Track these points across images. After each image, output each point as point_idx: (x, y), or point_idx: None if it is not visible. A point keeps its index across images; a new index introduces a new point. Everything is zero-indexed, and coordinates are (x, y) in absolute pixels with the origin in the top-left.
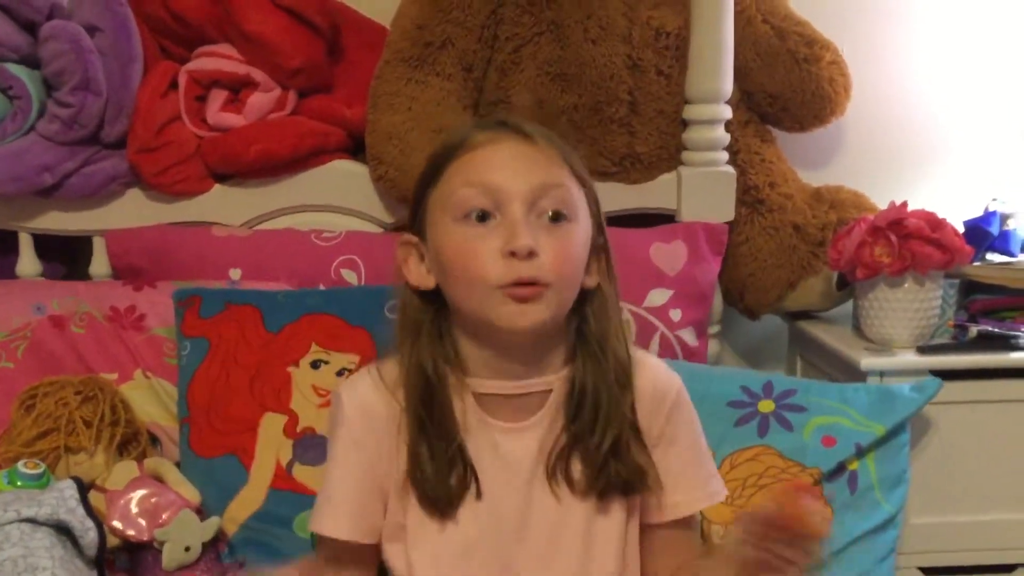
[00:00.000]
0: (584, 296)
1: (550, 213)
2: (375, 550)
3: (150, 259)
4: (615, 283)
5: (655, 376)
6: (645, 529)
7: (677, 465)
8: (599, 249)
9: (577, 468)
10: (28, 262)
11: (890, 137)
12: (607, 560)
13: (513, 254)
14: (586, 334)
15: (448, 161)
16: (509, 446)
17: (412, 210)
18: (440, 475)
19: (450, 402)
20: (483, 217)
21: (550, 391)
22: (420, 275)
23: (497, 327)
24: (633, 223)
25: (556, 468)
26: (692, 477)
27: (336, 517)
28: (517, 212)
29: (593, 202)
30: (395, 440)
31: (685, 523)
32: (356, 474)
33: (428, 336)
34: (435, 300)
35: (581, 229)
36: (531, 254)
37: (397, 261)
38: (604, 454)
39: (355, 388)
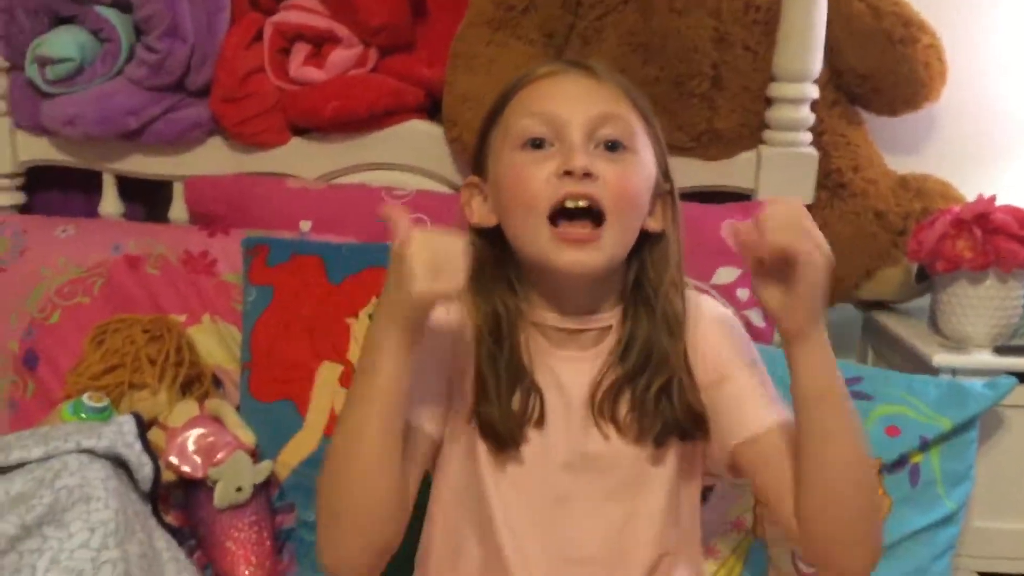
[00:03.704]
0: (645, 240)
1: (609, 143)
2: (423, 460)
3: (225, 207)
4: (680, 231)
5: (714, 307)
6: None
7: (751, 385)
8: (665, 194)
9: (623, 410)
10: (111, 202)
11: (984, 127)
12: (654, 511)
13: (569, 173)
14: (642, 280)
15: (510, 97)
16: (567, 376)
17: (476, 151)
18: (505, 401)
19: (516, 331)
20: (540, 144)
21: (609, 327)
22: (482, 214)
23: (553, 270)
24: (708, 202)
25: (603, 406)
26: (768, 395)
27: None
28: (575, 137)
29: (657, 143)
30: (458, 348)
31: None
32: (424, 363)
33: (492, 273)
34: (498, 241)
35: (642, 163)
36: (587, 175)
37: (461, 202)
38: (653, 397)
39: None
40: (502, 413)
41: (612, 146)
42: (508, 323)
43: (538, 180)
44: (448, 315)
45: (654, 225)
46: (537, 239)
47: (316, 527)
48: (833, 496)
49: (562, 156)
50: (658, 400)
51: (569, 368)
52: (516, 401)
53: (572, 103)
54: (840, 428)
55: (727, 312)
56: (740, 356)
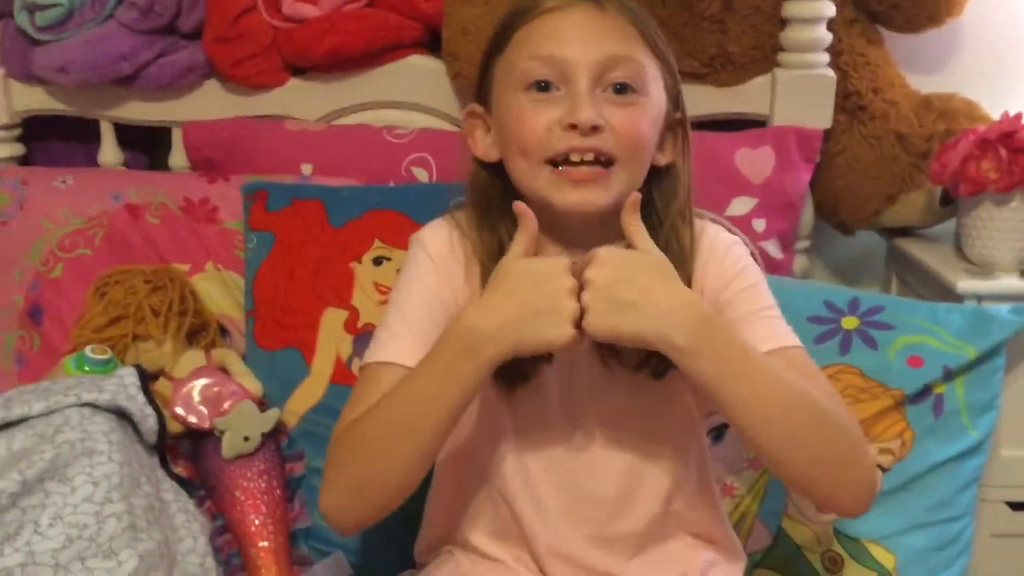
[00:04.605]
0: (653, 173)
1: (618, 85)
2: None
3: (225, 152)
4: (690, 162)
5: (717, 237)
6: None
7: (746, 312)
8: (675, 125)
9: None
10: (109, 151)
11: (1011, 41)
12: (665, 445)
13: (573, 127)
14: (649, 213)
15: (514, 29)
16: None
17: (479, 79)
18: None
19: None
20: (546, 87)
21: None
22: (485, 147)
23: (555, 211)
24: (722, 130)
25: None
26: (766, 323)
27: (407, 346)
28: (582, 85)
29: (669, 74)
30: (464, 288)
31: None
32: (429, 306)
33: (498, 207)
34: (504, 174)
35: (652, 104)
36: (595, 129)
37: (463, 132)
38: None
39: (437, 231)
40: None
41: (621, 88)
42: None
43: (540, 127)
44: (453, 253)
45: (663, 159)
46: (537, 180)
47: (325, 476)
48: (780, 457)
49: (568, 104)
50: None
51: None
52: None
53: (578, 44)
54: (755, 414)
55: (730, 238)
56: (738, 283)
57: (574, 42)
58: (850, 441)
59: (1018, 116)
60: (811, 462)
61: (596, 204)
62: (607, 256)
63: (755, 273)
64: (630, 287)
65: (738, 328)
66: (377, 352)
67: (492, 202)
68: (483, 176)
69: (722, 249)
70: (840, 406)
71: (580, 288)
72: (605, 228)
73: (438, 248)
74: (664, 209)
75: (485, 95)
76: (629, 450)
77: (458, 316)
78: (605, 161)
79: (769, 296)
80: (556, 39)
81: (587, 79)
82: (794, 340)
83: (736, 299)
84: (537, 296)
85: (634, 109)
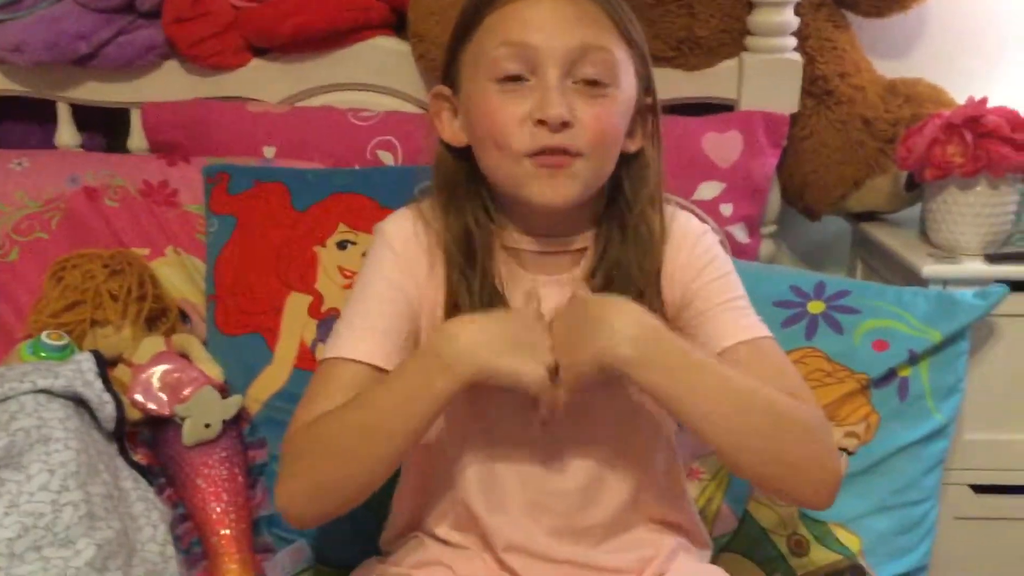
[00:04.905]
0: (623, 159)
1: (589, 78)
2: None
3: (185, 134)
4: (660, 147)
5: (687, 224)
6: None
7: (717, 302)
8: (645, 111)
9: None
10: (66, 132)
11: (976, 26)
12: (634, 440)
13: (543, 123)
14: (619, 201)
15: (484, 13)
16: (543, 301)
17: (445, 62)
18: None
19: (489, 254)
20: (517, 79)
21: (585, 249)
22: (453, 131)
23: (527, 201)
24: (689, 114)
25: None
26: (736, 313)
27: (367, 342)
28: (552, 77)
29: (640, 61)
30: (428, 281)
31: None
32: (391, 299)
33: (464, 190)
34: (469, 156)
35: (622, 95)
36: (564, 124)
37: (430, 113)
38: None
39: (401, 222)
40: None
41: (593, 82)
42: (481, 243)
43: (512, 121)
44: (418, 244)
45: (632, 146)
46: (511, 172)
47: (281, 473)
48: (737, 460)
49: (537, 97)
50: None
51: (544, 292)
52: None
53: (549, 33)
54: (710, 421)
55: (701, 227)
56: (708, 274)
57: (544, 31)
58: (811, 441)
59: (983, 101)
60: (770, 464)
61: (565, 195)
62: (562, 309)
63: (725, 263)
64: (583, 322)
65: (707, 318)
66: (336, 347)
67: (459, 185)
68: (449, 159)
69: (693, 238)
70: (806, 401)
71: None
72: (571, 213)
73: (402, 240)
74: (634, 196)
75: (452, 78)
76: (597, 447)
77: (440, 327)
78: (574, 153)
79: (739, 286)
80: (526, 28)
81: (557, 70)
82: (763, 331)
83: (706, 289)
84: (522, 332)
85: (604, 103)
